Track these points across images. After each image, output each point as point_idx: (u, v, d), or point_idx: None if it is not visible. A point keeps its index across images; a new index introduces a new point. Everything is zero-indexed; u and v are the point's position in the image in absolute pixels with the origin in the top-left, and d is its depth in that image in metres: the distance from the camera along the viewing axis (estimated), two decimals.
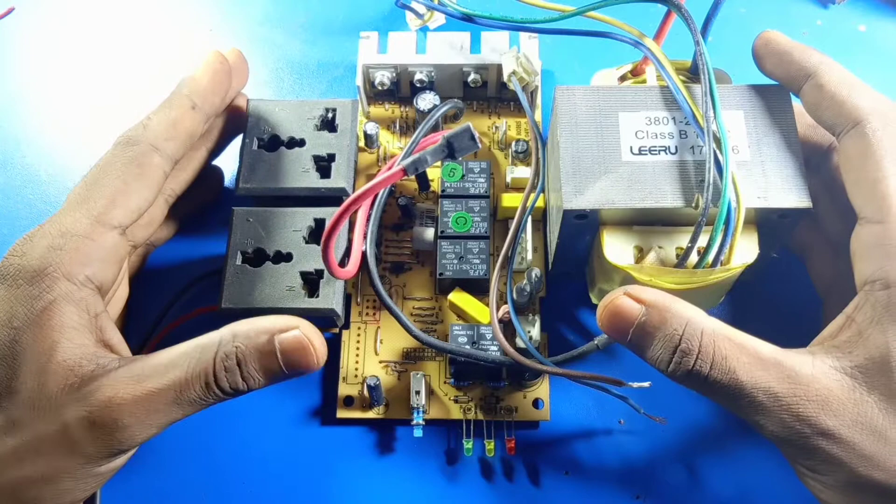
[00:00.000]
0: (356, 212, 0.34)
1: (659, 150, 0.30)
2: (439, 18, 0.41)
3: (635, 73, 0.35)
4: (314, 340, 0.28)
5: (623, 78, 0.35)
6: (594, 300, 0.34)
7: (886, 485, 0.25)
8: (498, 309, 0.34)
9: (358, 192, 0.28)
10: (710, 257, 0.29)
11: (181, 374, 0.27)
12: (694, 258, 0.29)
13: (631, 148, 0.30)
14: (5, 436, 0.26)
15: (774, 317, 0.35)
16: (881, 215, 0.27)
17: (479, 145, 0.28)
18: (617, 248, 0.30)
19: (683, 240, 0.30)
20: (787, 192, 0.29)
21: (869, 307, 0.26)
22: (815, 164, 0.33)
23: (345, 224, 0.33)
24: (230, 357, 0.27)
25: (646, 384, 0.31)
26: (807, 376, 0.25)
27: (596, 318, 0.28)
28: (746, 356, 0.26)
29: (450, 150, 0.29)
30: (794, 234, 0.34)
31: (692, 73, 0.33)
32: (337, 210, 0.28)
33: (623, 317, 0.27)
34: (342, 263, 0.33)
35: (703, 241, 0.29)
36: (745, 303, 0.36)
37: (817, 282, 0.34)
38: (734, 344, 0.26)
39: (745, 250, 0.30)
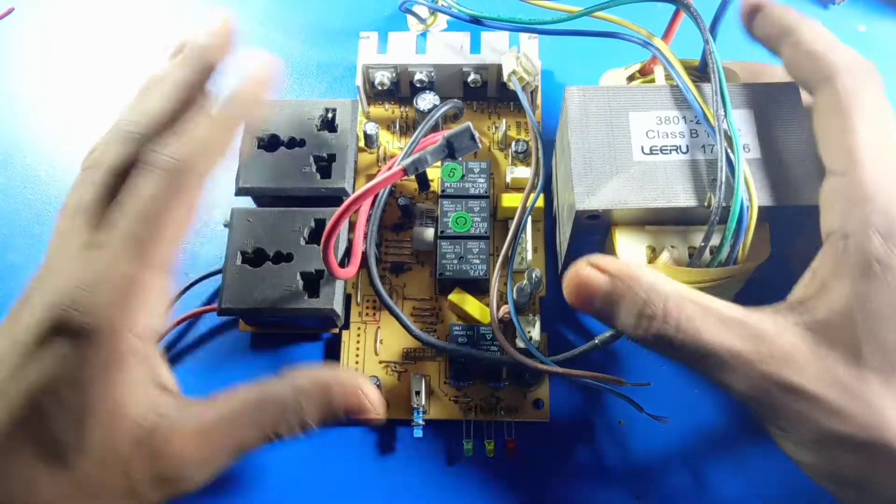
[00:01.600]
0: (356, 212, 0.34)
1: (670, 150, 0.30)
2: (441, 23, 0.41)
3: (643, 72, 0.35)
4: (374, 401, 0.29)
5: (631, 78, 0.35)
6: None
7: (856, 438, 0.24)
8: (498, 309, 0.34)
9: (358, 192, 0.28)
10: (724, 256, 0.29)
11: (245, 435, 0.27)
12: (707, 257, 0.29)
13: (642, 147, 0.31)
14: (72, 492, 0.26)
15: None
16: (845, 167, 0.27)
17: (479, 145, 0.28)
18: (630, 248, 0.30)
19: (696, 239, 0.30)
20: (799, 190, 0.29)
21: (829, 259, 0.26)
22: None
23: (345, 224, 0.33)
24: (294, 416, 0.28)
25: (646, 384, 0.31)
26: (770, 333, 0.25)
27: (563, 287, 0.28)
28: (711, 317, 0.26)
29: (450, 150, 0.29)
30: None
31: (700, 72, 0.33)
32: (337, 210, 0.28)
33: (589, 288, 0.27)
34: (342, 263, 0.33)
35: (715, 239, 0.29)
36: (754, 305, 0.36)
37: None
38: (698, 306, 0.26)
39: (758, 248, 0.30)
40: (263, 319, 0.36)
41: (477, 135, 0.29)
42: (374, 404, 0.29)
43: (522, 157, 0.39)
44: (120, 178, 0.28)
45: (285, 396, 0.28)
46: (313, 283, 0.33)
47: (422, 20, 0.40)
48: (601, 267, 0.27)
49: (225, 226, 0.37)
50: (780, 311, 0.26)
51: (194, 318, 0.36)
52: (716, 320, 0.26)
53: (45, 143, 0.42)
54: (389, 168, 0.33)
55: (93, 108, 0.43)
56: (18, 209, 0.40)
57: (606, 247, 0.32)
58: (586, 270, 0.27)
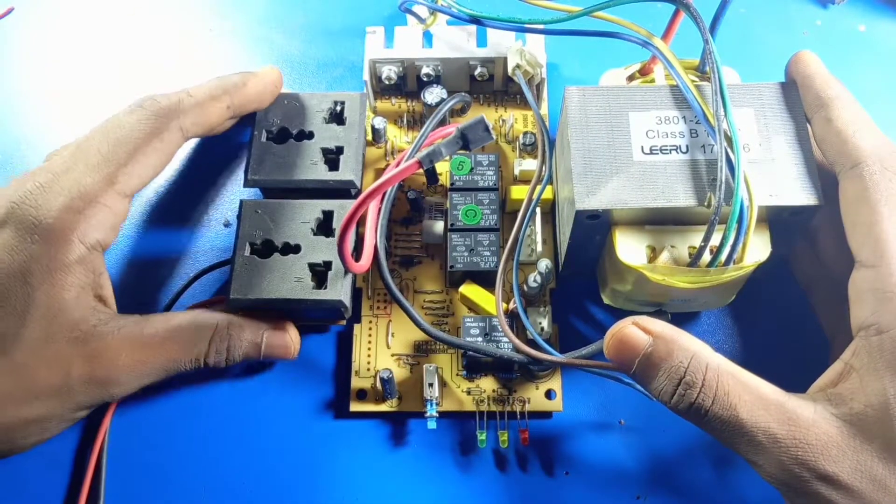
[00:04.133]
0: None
1: (670, 150, 0.30)
2: (441, 23, 0.41)
3: (643, 72, 0.35)
4: (294, 340, 0.34)
5: (631, 77, 0.35)
6: (606, 300, 0.35)
7: None
8: (507, 301, 0.34)
9: (373, 185, 0.28)
10: (723, 256, 0.29)
11: (177, 351, 0.31)
12: (707, 257, 0.29)
13: (642, 147, 0.31)
14: (4, 377, 0.28)
15: (783, 319, 0.36)
16: (875, 260, 0.27)
17: (493, 136, 0.28)
18: (630, 248, 0.31)
19: (696, 239, 0.30)
20: (798, 190, 0.29)
21: (865, 353, 0.26)
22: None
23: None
24: (223, 341, 0.32)
25: None
26: (807, 420, 0.25)
27: (604, 342, 0.29)
28: (749, 394, 0.26)
29: (464, 142, 0.29)
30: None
31: (700, 73, 0.33)
32: (353, 204, 0.28)
33: (630, 346, 0.28)
34: (355, 257, 0.33)
35: (715, 239, 0.29)
36: (755, 305, 0.36)
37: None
38: (737, 381, 0.26)
39: (758, 248, 0.30)
40: (272, 312, 0.36)
41: (491, 126, 0.29)
42: (295, 344, 0.34)
43: (530, 150, 0.39)
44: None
45: (218, 322, 0.32)
46: (321, 274, 0.34)
47: (421, 20, 0.40)
48: (645, 327, 0.28)
49: (225, 225, 0.38)
50: (818, 401, 0.26)
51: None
52: (755, 399, 0.26)
53: (45, 143, 0.42)
54: (399, 162, 0.33)
55: (93, 108, 0.42)
56: None
57: (607, 247, 0.32)
58: (629, 329, 0.28)
